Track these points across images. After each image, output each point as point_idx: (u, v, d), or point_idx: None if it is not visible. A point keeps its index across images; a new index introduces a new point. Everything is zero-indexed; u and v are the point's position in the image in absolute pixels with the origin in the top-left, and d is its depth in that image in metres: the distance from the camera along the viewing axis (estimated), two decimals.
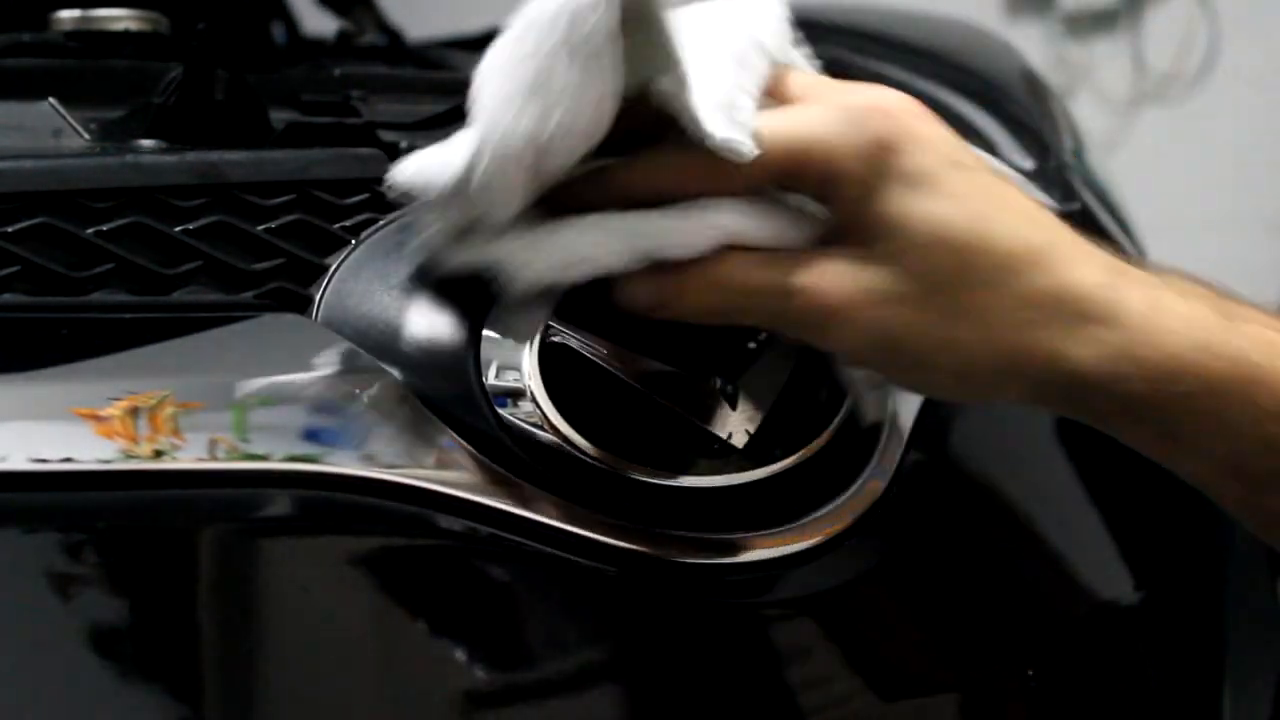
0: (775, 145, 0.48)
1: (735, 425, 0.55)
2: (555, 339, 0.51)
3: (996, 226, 0.49)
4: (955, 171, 0.49)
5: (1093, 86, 2.35)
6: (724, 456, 0.55)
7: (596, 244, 0.48)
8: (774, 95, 0.51)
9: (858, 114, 0.49)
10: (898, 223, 0.48)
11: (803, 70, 0.54)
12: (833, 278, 0.48)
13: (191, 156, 0.54)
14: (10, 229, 0.49)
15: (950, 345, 0.49)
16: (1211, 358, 0.48)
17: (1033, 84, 1.11)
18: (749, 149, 0.47)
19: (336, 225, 0.56)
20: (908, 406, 0.64)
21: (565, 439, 0.51)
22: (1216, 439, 0.50)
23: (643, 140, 0.49)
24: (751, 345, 0.57)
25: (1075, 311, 0.48)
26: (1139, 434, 0.52)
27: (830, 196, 0.49)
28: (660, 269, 0.49)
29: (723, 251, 0.49)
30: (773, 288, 0.49)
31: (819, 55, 0.56)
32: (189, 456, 0.45)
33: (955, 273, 0.48)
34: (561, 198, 0.49)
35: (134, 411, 0.45)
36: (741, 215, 0.49)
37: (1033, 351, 0.48)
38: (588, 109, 0.47)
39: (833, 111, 0.49)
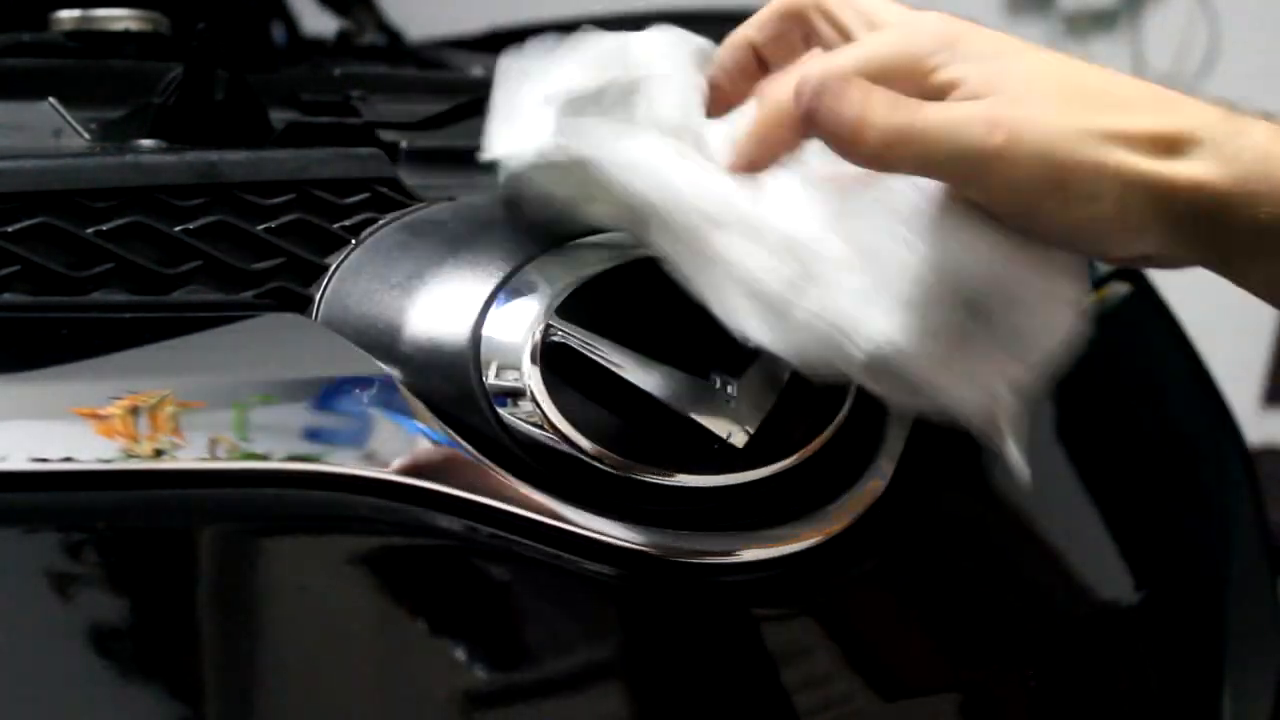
0: (870, 65, 0.49)
1: (735, 425, 0.55)
2: (555, 339, 0.51)
3: (1092, 77, 0.50)
4: (1025, 47, 0.51)
5: None
6: (724, 456, 0.55)
7: None
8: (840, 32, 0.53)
9: (916, 25, 0.51)
10: (999, 76, 0.49)
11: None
12: (992, 104, 0.49)
13: (191, 156, 0.54)
14: (10, 229, 0.49)
15: (1109, 173, 0.48)
16: None
17: None
18: None
19: (336, 225, 0.56)
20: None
21: (565, 439, 0.51)
22: None
23: None
24: (752, 344, 0.57)
25: (1204, 139, 0.48)
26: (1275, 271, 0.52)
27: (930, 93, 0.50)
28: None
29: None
30: (959, 119, 0.48)
31: None
32: (189, 456, 0.45)
33: (1076, 109, 0.49)
34: None
35: (134, 410, 0.45)
36: None
37: (1173, 181, 0.48)
38: None
39: (896, 31, 0.51)
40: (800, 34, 0.55)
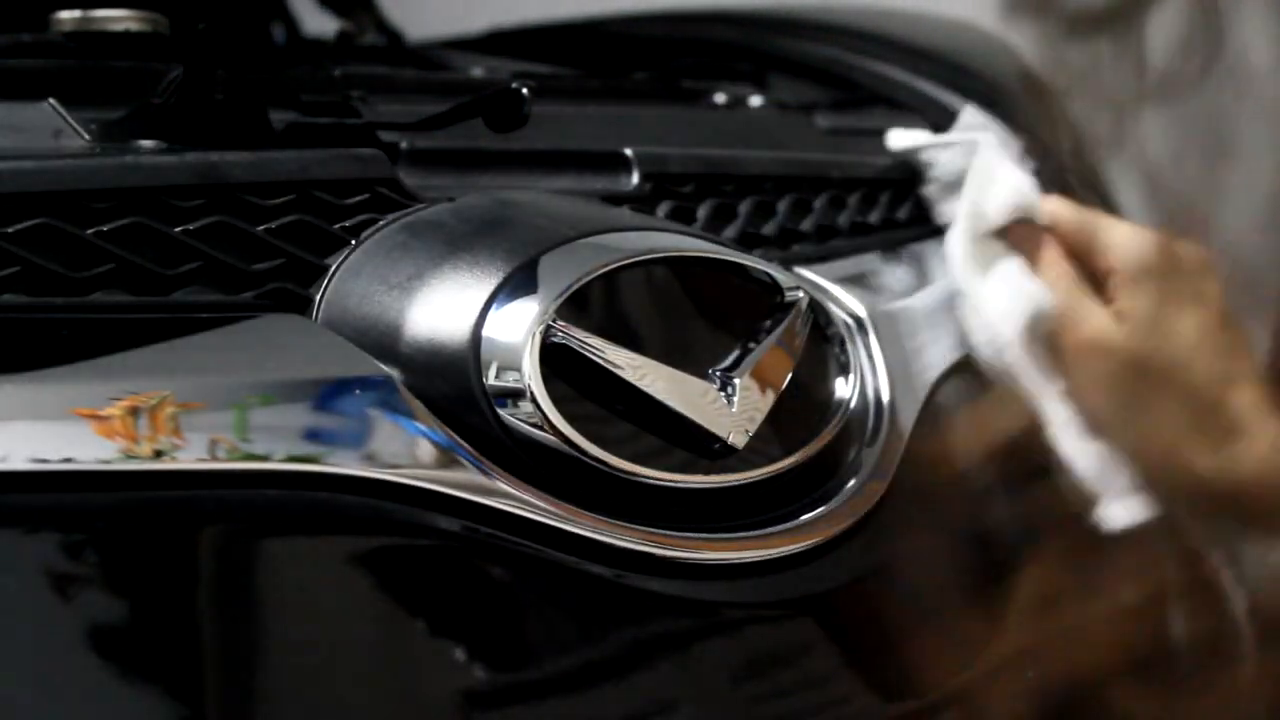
0: None
1: (735, 425, 0.55)
2: (555, 339, 0.51)
3: None
4: None
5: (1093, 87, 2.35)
6: (724, 456, 0.55)
7: None
8: None
9: None
10: None
11: None
12: None
13: (191, 156, 0.54)
14: (10, 229, 0.49)
15: None
16: None
17: (1033, 84, 1.11)
18: None
19: (336, 225, 0.56)
20: (908, 406, 0.64)
21: (565, 440, 0.51)
22: None
23: None
24: (752, 344, 0.57)
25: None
26: None
27: None
28: None
29: None
30: None
31: (819, 55, 0.56)
32: (189, 456, 0.45)
33: None
34: None
35: (134, 411, 0.45)
36: None
37: None
38: None
39: None
40: None
